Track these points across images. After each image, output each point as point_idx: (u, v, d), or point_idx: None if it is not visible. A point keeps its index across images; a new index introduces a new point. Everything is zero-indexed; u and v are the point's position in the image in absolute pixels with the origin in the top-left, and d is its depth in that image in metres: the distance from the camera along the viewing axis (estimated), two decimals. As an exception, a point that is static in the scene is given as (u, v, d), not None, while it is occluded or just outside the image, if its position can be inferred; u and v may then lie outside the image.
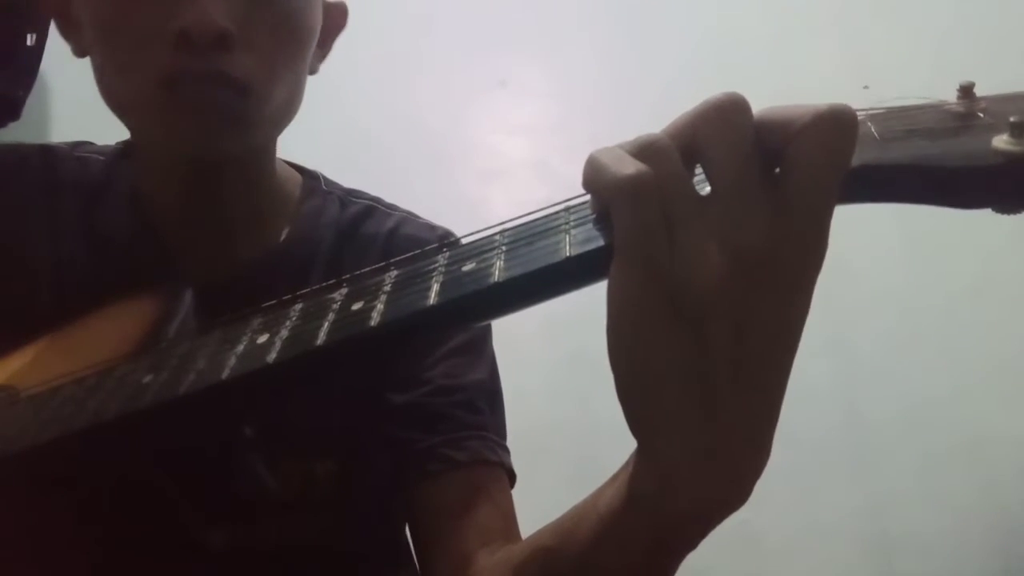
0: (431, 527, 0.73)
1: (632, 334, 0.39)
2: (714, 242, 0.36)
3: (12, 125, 1.72)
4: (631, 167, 0.37)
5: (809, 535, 1.79)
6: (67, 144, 0.83)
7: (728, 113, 0.37)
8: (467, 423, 0.75)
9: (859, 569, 1.79)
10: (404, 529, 0.84)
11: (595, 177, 0.39)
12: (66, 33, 0.74)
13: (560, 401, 1.83)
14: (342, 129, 1.99)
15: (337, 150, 1.69)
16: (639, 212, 0.37)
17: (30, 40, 1.59)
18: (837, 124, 0.36)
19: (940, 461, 1.82)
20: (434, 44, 2.13)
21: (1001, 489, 1.80)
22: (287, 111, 0.74)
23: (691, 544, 0.46)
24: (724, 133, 0.37)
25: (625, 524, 0.45)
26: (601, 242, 0.40)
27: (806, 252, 0.37)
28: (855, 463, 1.84)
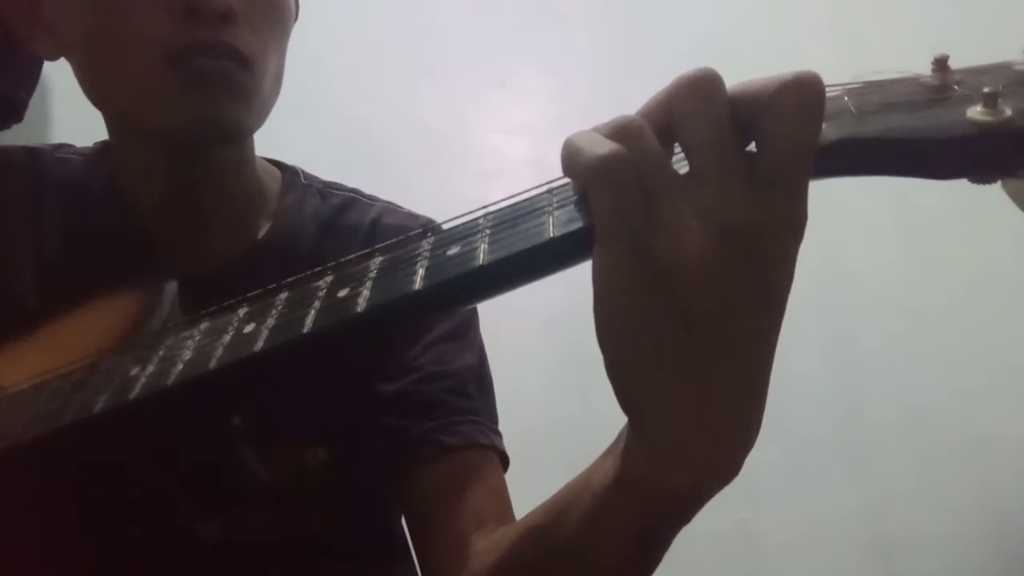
0: (426, 512, 0.73)
1: (617, 312, 0.39)
2: (695, 218, 0.37)
3: (14, 126, 1.71)
4: (604, 147, 0.37)
5: (809, 535, 1.79)
6: (48, 146, 0.83)
7: (701, 88, 0.37)
8: (458, 408, 0.76)
9: (858, 569, 1.79)
10: (399, 521, 0.84)
11: (571, 160, 0.39)
12: (33, 37, 0.74)
13: (560, 400, 1.83)
14: (342, 129, 2.00)
15: (337, 150, 1.70)
16: (615, 191, 0.37)
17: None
18: (803, 91, 0.36)
19: (939, 462, 1.81)
20: (434, 44, 2.13)
21: (1000, 490, 1.79)
22: (273, 95, 0.74)
23: (684, 520, 0.46)
24: (698, 108, 0.37)
25: (618, 504, 0.46)
26: (584, 222, 0.40)
27: (786, 223, 0.37)
28: (855, 464, 1.83)
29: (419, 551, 0.75)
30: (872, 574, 1.78)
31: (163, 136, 0.70)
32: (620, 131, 0.38)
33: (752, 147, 0.38)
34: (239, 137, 0.74)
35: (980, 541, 1.77)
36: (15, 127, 1.75)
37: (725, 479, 0.43)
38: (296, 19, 0.82)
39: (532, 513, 0.58)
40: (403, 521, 0.85)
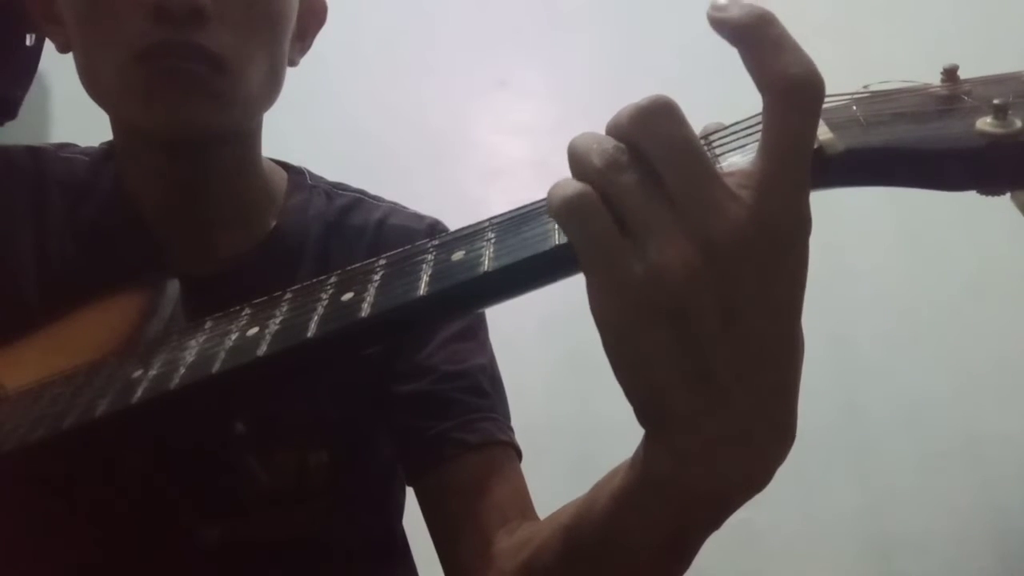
0: (450, 511, 0.74)
1: (619, 340, 0.39)
2: (679, 234, 0.36)
3: (12, 125, 1.71)
4: (569, 189, 0.38)
5: (808, 534, 1.79)
6: (52, 145, 0.83)
7: (653, 115, 0.38)
8: (475, 406, 0.76)
9: (858, 568, 1.79)
10: (399, 522, 0.84)
11: (548, 204, 0.39)
12: (49, 30, 0.75)
13: (559, 400, 1.83)
14: (343, 129, 2.00)
15: (338, 150, 1.69)
16: (582, 229, 0.37)
17: (29, 40, 1.59)
18: (803, 90, 0.36)
19: (939, 460, 1.81)
20: (434, 44, 2.13)
21: (999, 488, 1.79)
22: (263, 95, 0.74)
23: (712, 525, 0.45)
24: (655, 134, 0.37)
25: (643, 506, 0.45)
26: None
27: (780, 228, 0.36)
28: (854, 462, 1.84)
29: (443, 549, 0.74)
30: (872, 573, 1.78)
31: (147, 136, 0.71)
32: (579, 165, 0.39)
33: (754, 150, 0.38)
34: (216, 138, 0.73)
35: (980, 540, 1.77)
36: (15, 127, 1.75)
37: (756, 486, 0.42)
38: (323, 22, 0.84)
39: (557, 513, 0.58)
40: (403, 522, 0.86)
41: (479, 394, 0.77)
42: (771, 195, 0.36)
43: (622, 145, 0.39)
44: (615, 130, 0.39)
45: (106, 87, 0.70)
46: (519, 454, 0.78)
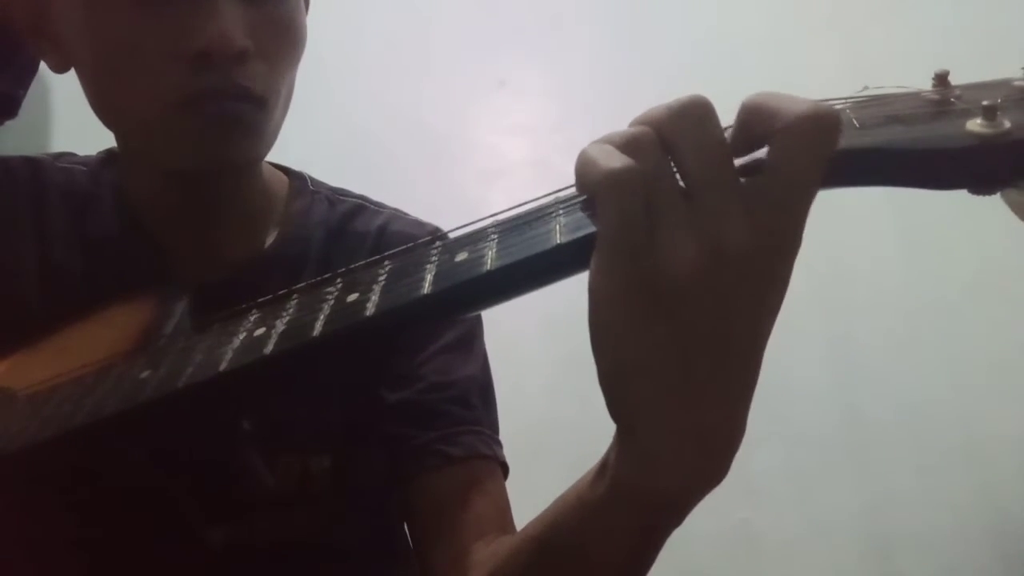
0: (428, 521, 0.74)
1: (611, 322, 0.40)
2: (693, 235, 0.38)
3: (12, 125, 1.71)
4: (617, 161, 0.38)
5: (808, 535, 1.79)
6: (49, 155, 0.82)
7: (697, 116, 0.38)
8: (461, 419, 0.76)
9: (858, 569, 1.79)
10: (402, 525, 0.84)
11: (584, 170, 0.40)
12: (41, 50, 0.73)
13: (559, 400, 1.83)
14: (343, 130, 2.00)
15: (338, 151, 1.70)
16: (623, 203, 0.38)
17: (31, 39, 1.60)
18: (819, 126, 0.37)
19: (939, 461, 1.82)
20: (434, 44, 2.14)
21: (1000, 489, 1.79)
22: (284, 116, 0.74)
23: (675, 523, 0.47)
24: (695, 136, 0.38)
25: (611, 512, 0.47)
26: (591, 229, 0.41)
27: (783, 245, 0.38)
28: (854, 463, 1.84)
29: (421, 559, 0.75)
30: (872, 574, 1.78)
31: (171, 170, 0.71)
32: (632, 144, 0.39)
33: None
34: (250, 167, 0.74)
35: (980, 540, 1.77)
36: (16, 127, 1.75)
37: (715, 481, 0.44)
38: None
39: (528, 525, 0.58)
40: (405, 526, 0.86)
41: (466, 406, 0.77)
42: (783, 217, 0.38)
43: (655, 135, 0.39)
44: (649, 119, 0.40)
45: (137, 127, 0.69)
46: (505, 469, 0.78)
